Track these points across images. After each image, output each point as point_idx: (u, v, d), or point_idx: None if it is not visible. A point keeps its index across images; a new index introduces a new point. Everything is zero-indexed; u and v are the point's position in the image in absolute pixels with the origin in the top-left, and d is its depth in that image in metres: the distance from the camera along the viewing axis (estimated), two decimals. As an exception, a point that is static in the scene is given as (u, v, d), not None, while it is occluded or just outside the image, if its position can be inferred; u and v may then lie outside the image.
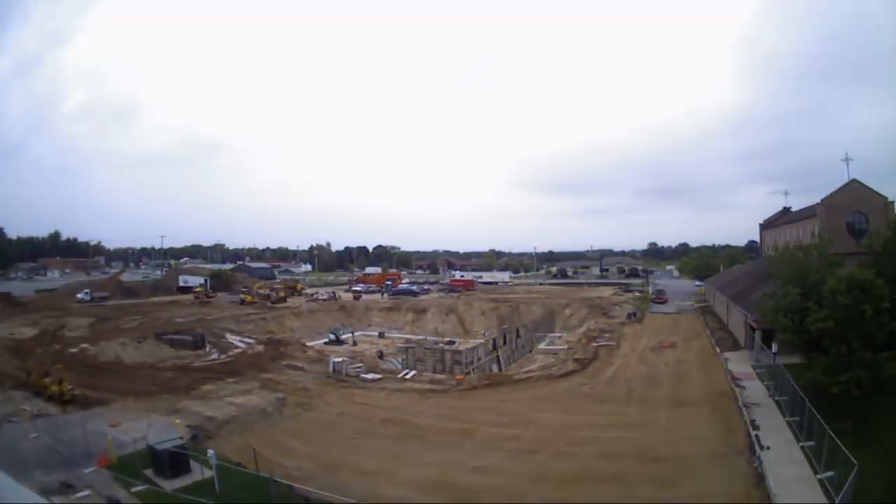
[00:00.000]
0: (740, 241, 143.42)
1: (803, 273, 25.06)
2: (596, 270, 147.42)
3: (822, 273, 23.89)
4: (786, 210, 65.02)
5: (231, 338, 49.48)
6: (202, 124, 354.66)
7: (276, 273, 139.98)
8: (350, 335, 54.62)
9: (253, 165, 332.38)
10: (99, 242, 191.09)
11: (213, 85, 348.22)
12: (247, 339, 49.14)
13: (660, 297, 68.92)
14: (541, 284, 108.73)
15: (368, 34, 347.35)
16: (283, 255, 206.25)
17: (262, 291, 79.18)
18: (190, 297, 78.42)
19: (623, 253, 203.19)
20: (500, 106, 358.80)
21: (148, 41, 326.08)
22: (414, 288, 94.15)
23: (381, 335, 58.47)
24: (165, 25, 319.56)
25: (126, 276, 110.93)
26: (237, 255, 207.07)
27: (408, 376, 36.80)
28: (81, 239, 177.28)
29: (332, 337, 53.25)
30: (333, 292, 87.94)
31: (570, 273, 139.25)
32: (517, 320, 59.31)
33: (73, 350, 41.07)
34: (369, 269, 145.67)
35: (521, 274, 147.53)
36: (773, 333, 28.35)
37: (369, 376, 36.23)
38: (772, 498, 15.50)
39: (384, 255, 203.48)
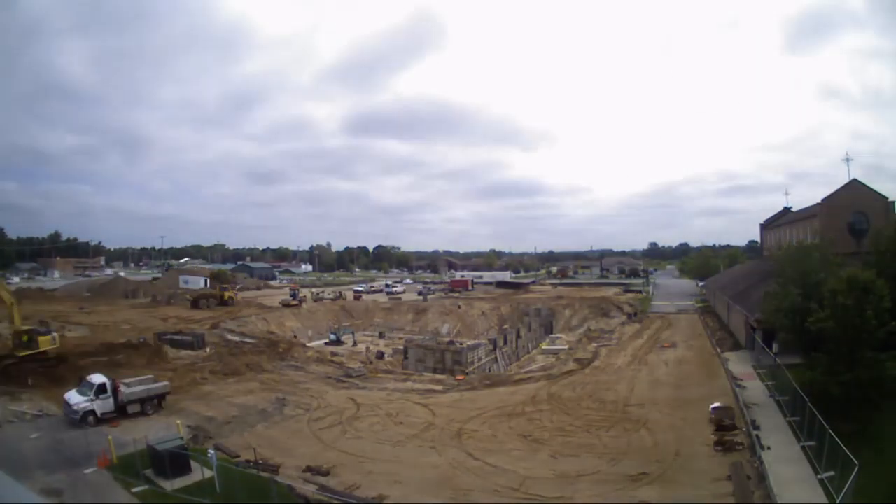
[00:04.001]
0: (741, 241, 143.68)
1: (804, 273, 25.08)
2: (596, 270, 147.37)
3: (823, 273, 23.91)
4: (786, 210, 65.03)
5: (231, 338, 49.42)
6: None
7: (277, 273, 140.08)
8: (351, 335, 54.60)
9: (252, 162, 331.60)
10: (99, 242, 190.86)
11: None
12: (247, 340, 49.08)
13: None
14: (541, 284, 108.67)
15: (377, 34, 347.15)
16: (284, 256, 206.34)
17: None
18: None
19: (623, 253, 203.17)
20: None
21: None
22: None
23: (381, 335, 58.48)
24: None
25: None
26: (237, 255, 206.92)
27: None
28: (82, 239, 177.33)
29: (332, 337, 53.25)
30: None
31: (570, 273, 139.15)
32: (517, 320, 59.38)
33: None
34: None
35: (522, 273, 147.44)
36: (774, 333, 28.37)
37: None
38: (772, 498, 15.50)
39: (384, 255, 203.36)
